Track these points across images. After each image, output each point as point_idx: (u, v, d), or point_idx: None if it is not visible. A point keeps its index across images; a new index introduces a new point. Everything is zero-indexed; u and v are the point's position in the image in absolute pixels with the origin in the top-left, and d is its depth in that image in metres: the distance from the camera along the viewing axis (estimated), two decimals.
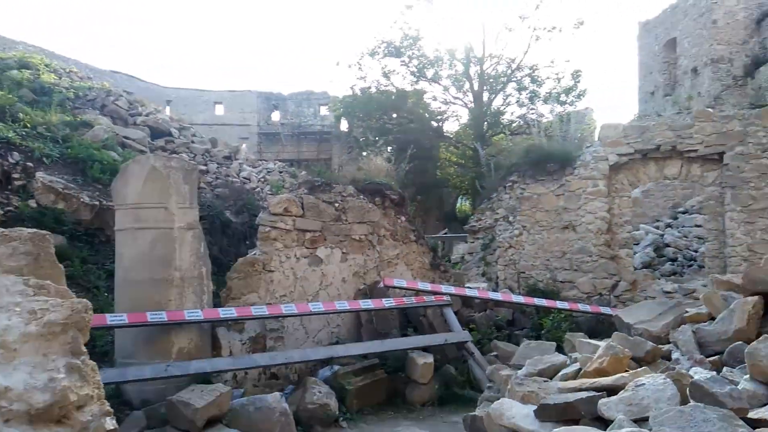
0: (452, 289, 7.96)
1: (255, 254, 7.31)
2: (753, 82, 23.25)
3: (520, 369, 4.08)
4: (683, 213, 15.55)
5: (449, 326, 7.60)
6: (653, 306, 4.31)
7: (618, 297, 9.98)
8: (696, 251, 13.64)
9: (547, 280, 10.44)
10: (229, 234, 10.39)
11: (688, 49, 26.98)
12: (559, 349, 8.67)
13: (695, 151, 9.55)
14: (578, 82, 28.79)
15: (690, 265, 13.57)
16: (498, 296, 8.37)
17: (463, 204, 37.09)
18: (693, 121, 9.61)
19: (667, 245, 14.37)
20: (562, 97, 29.37)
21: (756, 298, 3.09)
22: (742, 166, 9.16)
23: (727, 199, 9.31)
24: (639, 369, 3.20)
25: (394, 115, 29.34)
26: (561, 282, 10.38)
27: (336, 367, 6.89)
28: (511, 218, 11.00)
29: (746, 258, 9.08)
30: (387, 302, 7.39)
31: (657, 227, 15.52)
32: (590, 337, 8.98)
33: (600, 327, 9.16)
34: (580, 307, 8.59)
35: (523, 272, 10.73)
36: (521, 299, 8.44)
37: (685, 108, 18.20)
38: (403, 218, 9.13)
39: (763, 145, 9.04)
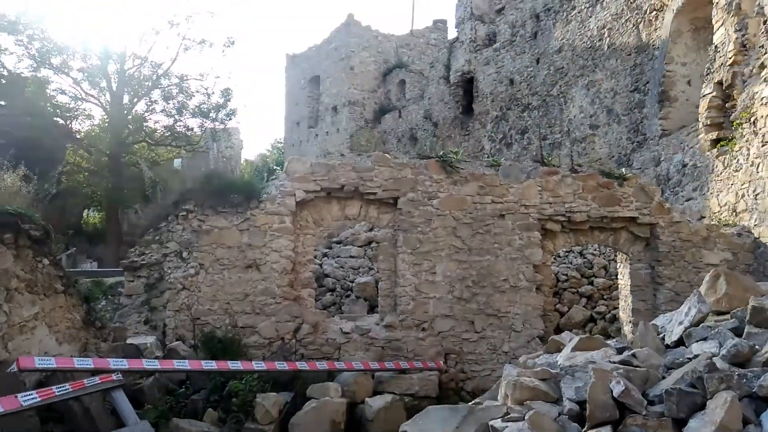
0: (125, 364, 5.89)
1: None
2: (380, 126, 27.03)
3: None
4: (338, 243, 16.45)
5: (121, 417, 5.59)
6: (443, 414, 3.70)
7: (301, 341, 9.48)
8: (353, 281, 14.46)
9: (227, 326, 9.21)
10: None
11: (330, 88, 29.66)
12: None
13: (374, 194, 9.89)
14: (228, 100, 28.51)
15: (348, 296, 14.29)
16: (186, 365, 6.68)
17: (91, 216, 32.37)
18: (373, 165, 9.95)
19: (327, 275, 14.87)
20: (212, 114, 28.67)
21: (605, 429, 2.74)
22: (413, 212, 9.89)
23: (399, 241, 9.90)
24: None
25: (2, 103, 23.32)
26: (242, 328, 9.30)
27: None
28: (185, 254, 9.34)
29: (414, 297, 9.80)
30: (25, 399, 4.91)
31: (315, 257, 15.95)
32: (280, 391, 8.20)
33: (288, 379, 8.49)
34: (278, 366, 7.65)
35: (199, 318, 9.22)
36: (213, 365, 6.94)
37: (360, 145, 19.61)
38: (46, 261, 6.52)
39: (429, 193, 9.95)
